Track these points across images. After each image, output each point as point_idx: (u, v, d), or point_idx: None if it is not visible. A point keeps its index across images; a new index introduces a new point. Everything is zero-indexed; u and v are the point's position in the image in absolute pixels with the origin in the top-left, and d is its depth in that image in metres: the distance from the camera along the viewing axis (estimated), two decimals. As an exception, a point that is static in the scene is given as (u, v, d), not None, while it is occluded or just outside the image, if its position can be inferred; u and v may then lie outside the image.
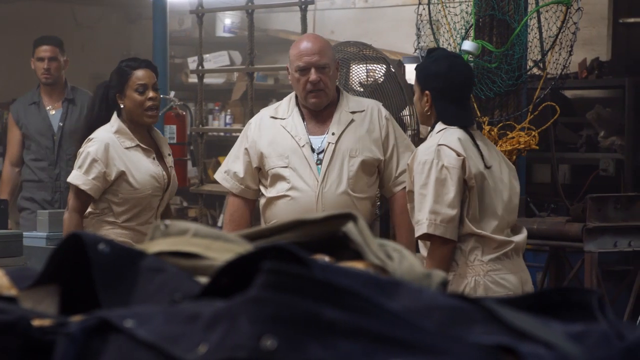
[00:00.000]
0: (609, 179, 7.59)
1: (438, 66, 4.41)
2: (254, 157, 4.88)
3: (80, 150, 5.11)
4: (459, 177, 4.29)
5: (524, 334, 1.02)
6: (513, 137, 5.57)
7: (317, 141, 4.83)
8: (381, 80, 5.81)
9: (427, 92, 4.40)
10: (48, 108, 7.23)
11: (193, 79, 9.29)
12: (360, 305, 0.95)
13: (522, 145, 5.49)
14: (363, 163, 4.79)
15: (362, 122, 4.85)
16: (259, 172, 4.91)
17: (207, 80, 8.36)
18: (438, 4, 5.87)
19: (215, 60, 10.07)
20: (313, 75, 4.73)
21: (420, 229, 4.31)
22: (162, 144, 5.28)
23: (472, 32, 5.67)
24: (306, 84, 4.77)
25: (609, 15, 8.43)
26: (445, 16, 5.83)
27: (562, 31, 5.57)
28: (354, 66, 5.86)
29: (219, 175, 5.05)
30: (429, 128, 4.50)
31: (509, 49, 5.56)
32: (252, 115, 7.23)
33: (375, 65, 5.84)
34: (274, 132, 4.87)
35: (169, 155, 5.29)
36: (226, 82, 10.48)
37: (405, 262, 1.38)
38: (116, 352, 1.01)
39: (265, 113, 5.02)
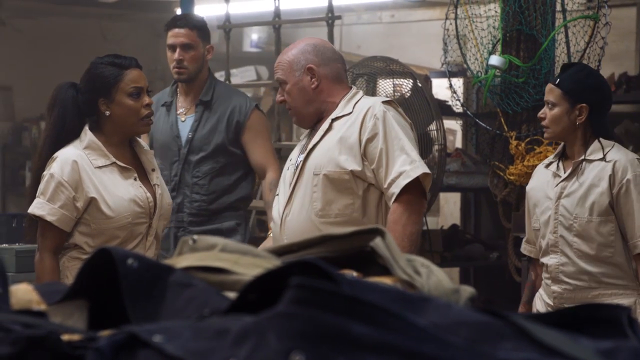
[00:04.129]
0: (638, 194, 7.54)
1: (596, 79, 4.42)
2: None
3: (44, 172, 4.11)
4: None
5: (553, 350, 1.01)
6: (541, 152, 5.56)
7: (300, 160, 4.14)
8: (408, 95, 5.80)
9: (583, 105, 4.30)
10: (180, 112, 5.52)
11: (220, 94, 9.31)
12: (389, 320, 0.95)
13: (550, 160, 5.47)
14: (327, 180, 3.97)
15: (339, 128, 4.04)
16: None
17: (234, 95, 8.37)
18: (465, 19, 5.87)
19: (242, 75, 10.11)
20: (277, 96, 4.23)
21: None
22: (146, 158, 4.27)
23: (499, 47, 5.66)
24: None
25: (637, 29, 8.40)
26: (472, 31, 5.82)
27: (589, 46, 5.55)
28: (380, 81, 5.86)
29: None
30: (581, 142, 4.35)
31: (536, 63, 5.55)
32: (278, 129, 7.26)
33: (402, 80, 5.84)
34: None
35: (153, 170, 4.25)
36: (253, 97, 10.52)
37: (433, 277, 1.37)
38: (145, 367, 1.01)
39: None
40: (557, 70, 5.68)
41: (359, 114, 4.00)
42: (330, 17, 6.69)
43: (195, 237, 1.43)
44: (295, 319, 0.94)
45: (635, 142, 7.73)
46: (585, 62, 5.57)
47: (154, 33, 11.55)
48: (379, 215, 4.00)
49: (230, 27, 7.32)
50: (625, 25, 8.16)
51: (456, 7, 5.92)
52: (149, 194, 4.16)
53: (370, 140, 3.94)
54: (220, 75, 9.34)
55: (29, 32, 10.76)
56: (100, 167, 4.10)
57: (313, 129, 4.16)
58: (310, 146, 4.06)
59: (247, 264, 1.33)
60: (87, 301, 1.26)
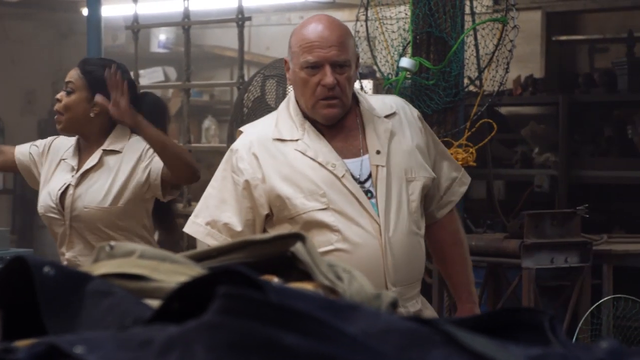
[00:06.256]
0: (544, 195, 7.66)
1: None
2: (261, 199, 3.34)
3: None
4: None
5: (484, 358, 1.00)
6: (451, 154, 5.60)
7: (354, 166, 3.38)
8: (318, 96, 5.79)
9: None
10: None
11: (128, 94, 9.21)
12: (319, 329, 0.93)
13: (460, 162, 5.51)
14: (423, 189, 3.44)
15: (400, 129, 3.45)
16: (267, 221, 3.39)
17: (142, 96, 8.30)
18: (375, 20, 5.88)
19: (149, 76, 10.03)
20: (329, 76, 3.30)
21: None
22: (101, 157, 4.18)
23: (409, 49, 5.68)
24: (316, 88, 3.32)
25: (543, 32, 8.53)
26: (383, 33, 5.84)
27: (498, 49, 5.61)
28: (291, 83, 5.84)
29: (197, 229, 3.40)
30: None
31: (446, 66, 5.58)
32: (188, 132, 7.17)
33: (312, 81, 5.82)
34: (289, 160, 3.36)
35: (77, 170, 4.17)
36: (161, 98, 10.43)
37: (355, 283, 1.36)
38: (65, 380, 0.98)
39: (261, 134, 3.43)
40: (467, 73, 5.74)
41: (404, 114, 3.49)
42: (240, 18, 6.67)
43: (113, 243, 1.40)
44: (223, 329, 0.92)
45: (541, 143, 7.84)
46: (494, 64, 5.62)
47: (59, 33, 11.39)
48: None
49: (139, 28, 7.24)
50: (531, 28, 8.28)
51: (366, 9, 5.93)
52: (60, 191, 4.09)
53: (427, 144, 3.54)
54: (127, 76, 9.22)
55: None
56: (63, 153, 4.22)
57: (337, 132, 3.44)
58: (385, 149, 3.40)
59: (167, 271, 1.30)
60: (1, 311, 1.22)
